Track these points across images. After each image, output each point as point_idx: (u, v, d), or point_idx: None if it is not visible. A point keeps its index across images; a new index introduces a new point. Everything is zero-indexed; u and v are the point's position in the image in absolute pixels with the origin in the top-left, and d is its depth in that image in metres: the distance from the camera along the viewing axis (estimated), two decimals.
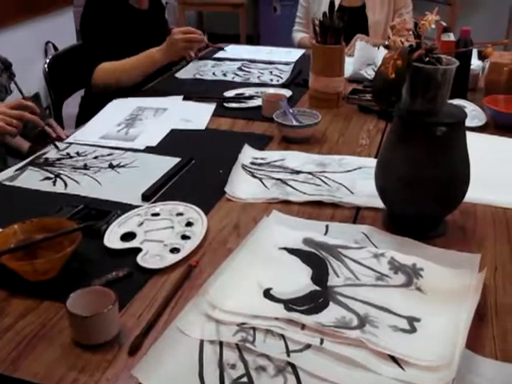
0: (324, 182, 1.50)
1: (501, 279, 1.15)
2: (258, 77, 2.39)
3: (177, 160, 1.61)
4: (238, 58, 2.66)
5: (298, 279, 1.12)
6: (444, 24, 2.08)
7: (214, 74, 2.44)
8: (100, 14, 2.27)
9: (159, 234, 1.27)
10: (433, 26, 1.24)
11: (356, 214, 1.38)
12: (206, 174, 1.56)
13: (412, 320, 1.02)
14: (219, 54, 2.74)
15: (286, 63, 2.53)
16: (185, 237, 1.26)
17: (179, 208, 1.36)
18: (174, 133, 1.83)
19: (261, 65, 2.57)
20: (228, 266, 1.14)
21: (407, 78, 1.16)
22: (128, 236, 1.26)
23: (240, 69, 2.51)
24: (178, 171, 1.55)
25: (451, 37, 2.07)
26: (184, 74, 2.38)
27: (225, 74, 2.43)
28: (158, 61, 2.21)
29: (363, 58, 2.34)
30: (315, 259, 1.18)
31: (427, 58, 1.17)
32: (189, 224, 1.31)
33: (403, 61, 1.10)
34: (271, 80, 2.35)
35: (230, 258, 1.17)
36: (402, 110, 1.21)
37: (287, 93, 2.07)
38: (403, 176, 1.21)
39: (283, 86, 2.26)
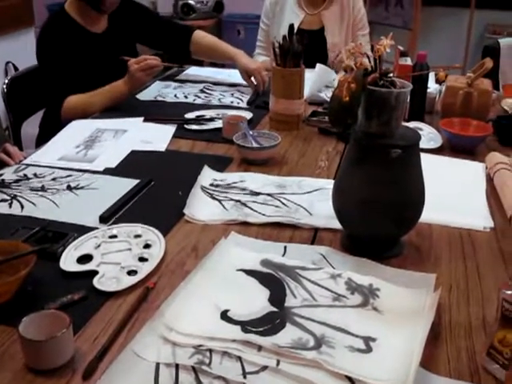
0: (283, 203, 1.51)
1: (455, 298, 1.17)
2: (220, 99, 2.40)
3: (136, 181, 1.60)
4: (199, 80, 2.67)
5: (255, 300, 1.12)
6: (401, 48, 2.14)
7: (175, 95, 2.44)
8: (56, 41, 2.26)
9: (116, 257, 1.26)
10: (388, 50, 1.27)
11: (314, 235, 1.39)
12: (165, 196, 1.55)
13: (368, 340, 1.03)
14: (181, 76, 2.75)
15: (248, 86, 2.54)
16: (142, 259, 1.26)
17: (137, 230, 1.36)
18: (133, 154, 1.83)
19: (222, 87, 2.58)
20: (185, 288, 1.14)
21: (362, 101, 1.18)
22: (84, 258, 1.25)
23: (202, 91, 2.52)
24: (136, 193, 1.55)
25: (408, 61, 2.12)
26: (145, 95, 2.38)
27: (186, 96, 2.43)
28: (125, 93, 2.24)
29: (322, 79, 2.37)
30: (273, 280, 1.18)
31: (382, 82, 1.19)
32: (147, 246, 1.30)
33: (358, 84, 1.12)
34: (232, 102, 2.36)
35: (186, 280, 1.16)
36: (357, 133, 1.23)
37: (248, 115, 2.09)
38: (359, 197, 1.23)
39: (247, 105, 2.29)
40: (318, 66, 2.39)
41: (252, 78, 2.47)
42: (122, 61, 2.25)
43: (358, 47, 1.27)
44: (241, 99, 2.39)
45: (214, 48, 2.62)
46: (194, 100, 2.39)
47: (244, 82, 2.52)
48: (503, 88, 2.57)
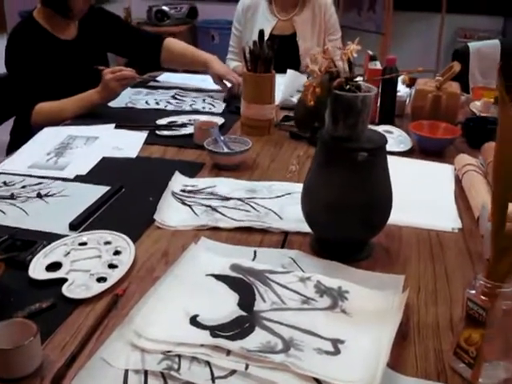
0: (253, 207, 1.51)
1: (423, 299, 1.19)
2: (191, 105, 2.40)
3: (107, 188, 1.60)
4: (171, 87, 2.67)
5: (224, 305, 1.12)
6: (370, 53, 2.16)
7: (146, 102, 2.44)
8: (25, 48, 2.26)
9: (86, 264, 1.25)
10: (355, 55, 1.28)
11: (284, 239, 1.39)
12: (136, 202, 1.55)
13: (336, 342, 1.04)
14: (153, 83, 2.74)
15: (220, 91, 2.55)
16: (112, 266, 1.25)
17: (107, 237, 1.35)
18: (104, 161, 1.82)
19: (194, 93, 2.58)
20: (154, 294, 1.14)
21: (328, 105, 1.20)
22: (54, 266, 1.24)
23: (173, 97, 2.52)
24: (107, 200, 1.54)
25: (377, 65, 2.14)
26: (116, 102, 2.37)
27: (157, 103, 2.43)
28: (97, 102, 2.23)
29: (294, 84, 2.38)
30: (242, 285, 1.19)
31: (348, 86, 1.20)
32: (117, 253, 1.30)
33: (323, 89, 1.13)
34: (203, 108, 2.36)
35: (156, 286, 1.16)
36: (324, 136, 1.24)
37: (219, 120, 2.09)
38: (327, 201, 1.24)
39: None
40: (290, 71, 2.40)
41: (225, 81, 2.48)
42: (94, 68, 2.24)
43: (326, 52, 1.29)
44: (212, 105, 2.40)
45: (187, 54, 2.64)
46: (166, 106, 2.39)
47: (216, 87, 2.52)
48: (472, 91, 2.60)
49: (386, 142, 1.26)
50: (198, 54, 2.61)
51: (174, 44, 2.64)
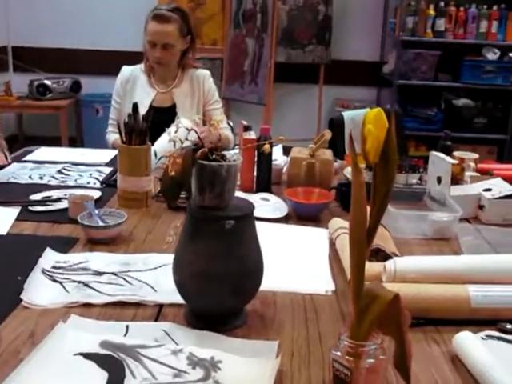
0: (127, 281, 1.48)
1: (297, 363, 1.19)
2: (76, 179, 2.35)
3: None
4: (59, 161, 2.59)
5: None
6: (244, 123, 2.23)
7: (30, 177, 2.35)
8: None
9: None
10: (222, 125, 1.31)
11: (158, 312, 1.37)
12: (3, 282, 1.48)
13: None
14: (39, 158, 2.66)
15: (107, 165, 2.51)
16: None
17: None
18: None
19: (82, 167, 2.52)
20: (16, 378, 1.07)
21: (194, 175, 1.21)
22: None
23: (59, 172, 2.44)
24: None
25: (252, 134, 2.20)
26: None
27: (41, 177, 2.35)
28: None
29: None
30: (112, 362, 1.15)
31: (213, 156, 1.22)
32: None
33: (185, 159, 1.14)
34: (88, 183, 2.31)
35: (17, 370, 1.10)
36: (192, 206, 1.25)
37: (96, 194, 2.06)
38: (196, 271, 1.23)
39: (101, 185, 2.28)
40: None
41: None
42: None
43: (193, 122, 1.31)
44: (98, 179, 2.35)
45: None
46: (49, 181, 2.31)
47: (104, 161, 2.48)
48: (346, 157, 2.71)
49: (253, 209, 1.28)
50: None
51: None
